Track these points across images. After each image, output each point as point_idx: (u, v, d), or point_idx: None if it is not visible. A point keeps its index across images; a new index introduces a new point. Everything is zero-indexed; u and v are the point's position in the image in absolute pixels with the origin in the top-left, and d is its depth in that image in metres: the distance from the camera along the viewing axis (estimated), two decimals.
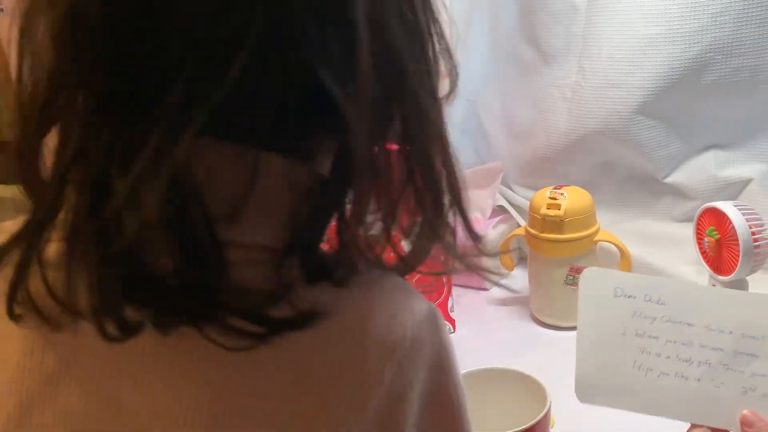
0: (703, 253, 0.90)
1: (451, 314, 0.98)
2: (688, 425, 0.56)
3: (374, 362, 0.34)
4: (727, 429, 0.53)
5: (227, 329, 0.32)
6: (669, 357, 0.55)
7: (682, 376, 0.55)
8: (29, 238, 0.33)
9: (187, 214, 0.31)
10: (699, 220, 0.90)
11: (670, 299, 0.55)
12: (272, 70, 0.32)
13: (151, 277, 0.32)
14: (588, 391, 0.58)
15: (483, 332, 0.98)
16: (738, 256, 0.84)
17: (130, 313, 0.32)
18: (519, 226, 1.07)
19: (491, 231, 1.11)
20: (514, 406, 0.68)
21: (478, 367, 0.72)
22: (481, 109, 1.22)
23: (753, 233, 0.83)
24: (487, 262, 0.45)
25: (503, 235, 1.10)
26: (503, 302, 1.05)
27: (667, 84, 0.95)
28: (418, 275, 0.44)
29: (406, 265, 0.38)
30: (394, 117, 0.35)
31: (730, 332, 0.54)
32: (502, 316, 1.02)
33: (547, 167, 1.11)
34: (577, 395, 0.58)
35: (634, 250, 0.97)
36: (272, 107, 0.33)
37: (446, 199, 0.37)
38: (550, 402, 0.66)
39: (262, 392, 0.33)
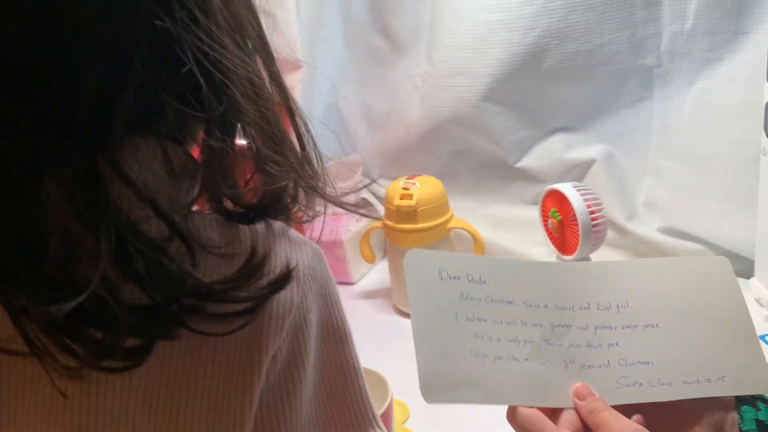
0: (549, 234, 0.93)
1: None
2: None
3: (287, 289, 0.38)
4: (560, 406, 0.51)
5: (212, 317, 0.35)
6: (499, 339, 0.52)
7: (513, 358, 0.52)
8: None
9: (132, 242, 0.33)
10: (543, 202, 0.92)
11: (489, 277, 0.53)
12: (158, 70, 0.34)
13: (131, 305, 0.34)
14: (433, 390, 0.50)
15: (353, 325, 0.96)
16: (578, 235, 0.86)
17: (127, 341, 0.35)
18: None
19: (354, 224, 1.10)
20: None
21: None
22: (340, 100, 1.20)
23: (591, 213, 0.86)
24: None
25: (367, 228, 1.09)
26: (367, 295, 1.04)
27: (509, 70, 0.97)
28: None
29: (287, 212, 0.41)
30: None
31: (545, 306, 0.53)
32: (367, 308, 1.01)
33: (405, 157, 1.11)
34: (423, 396, 0.50)
35: (488, 235, 0.99)
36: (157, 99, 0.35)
37: (296, 151, 0.41)
38: (392, 395, 0.65)
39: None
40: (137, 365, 0.35)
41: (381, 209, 1.10)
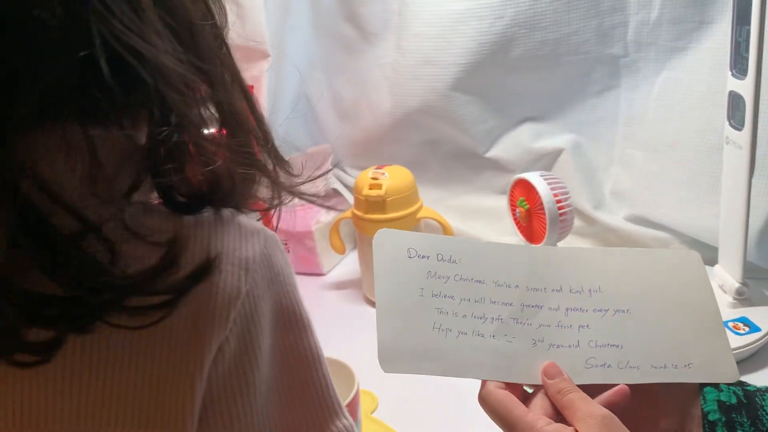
0: (517, 223, 0.93)
1: None
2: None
3: (233, 277, 0.37)
4: (525, 383, 0.52)
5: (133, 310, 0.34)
6: (465, 316, 0.53)
7: (478, 334, 0.53)
8: None
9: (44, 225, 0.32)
10: (511, 191, 0.93)
11: (461, 257, 0.54)
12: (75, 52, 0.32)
13: (39, 296, 0.33)
14: (391, 359, 0.53)
15: (319, 316, 0.96)
16: (546, 224, 0.87)
17: (37, 334, 0.34)
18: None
19: (324, 215, 1.09)
20: None
21: None
22: (309, 90, 1.19)
23: (558, 201, 0.87)
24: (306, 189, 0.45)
25: (336, 218, 1.08)
26: (338, 286, 1.04)
27: (478, 59, 0.97)
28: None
29: (239, 200, 0.40)
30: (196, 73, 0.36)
31: (517, 286, 0.54)
32: (337, 299, 1.01)
33: (375, 147, 1.11)
34: (380, 365, 0.52)
35: (457, 224, 0.99)
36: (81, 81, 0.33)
37: (255, 136, 0.40)
38: (358, 385, 0.65)
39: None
40: (47, 360, 0.34)
41: (350, 199, 1.10)
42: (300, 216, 1.05)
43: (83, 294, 0.33)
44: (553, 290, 0.54)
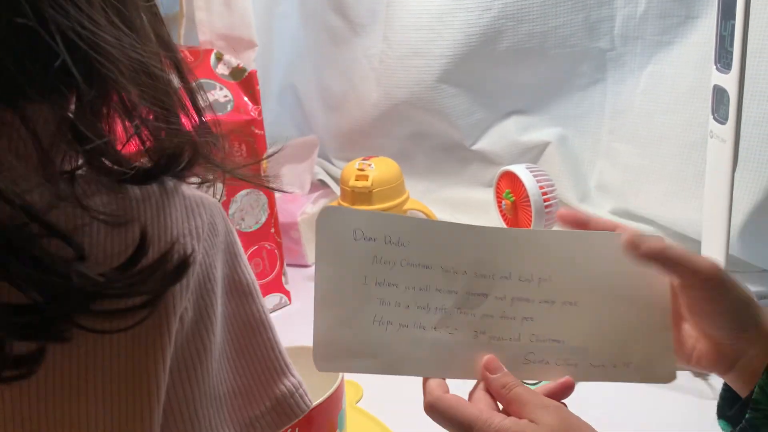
0: (503, 215, 0.93)
1: (286, 287, 0.96)
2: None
3: (187, 247, 0.37)
4: (465, 378, 0.49)
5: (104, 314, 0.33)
6: (408, 306, 0.50)
7: (420, 326, 0.50)
8: None
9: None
10: (497, 183, 0.93)
11: (410, 239, 0.49)
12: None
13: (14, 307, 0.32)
14: (325, 357, 0.48)
15: (304, 307, 0.96)
16: (531, 216, 0.87)
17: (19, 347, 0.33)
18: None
19: (311, 206, 1.09)
20: (314, 383, 0.66)
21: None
22: (296, 80, 1.19)
23: (544, 194, 0.87)
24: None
25: None
26: None
27: (465, 51, 0.97)
28: None
29: (182, 169, 0.39)
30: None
31: (464, 272, 0.50)
32: None
33: (362, 139, 1.11)
34: (314, 363, 0.48)
35: (444, 216, 0.99)
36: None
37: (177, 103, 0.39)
38: (343, 375, 0.64)
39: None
40: (30, 374, 0.33)
41: (337, 190, 1.10)
42: (286, 207, 1.04)
43: (51, 299, 0.32)
44: (501, 277, 0.51)
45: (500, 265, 0.51)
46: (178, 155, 0.38)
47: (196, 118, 0.40)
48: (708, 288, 0.49)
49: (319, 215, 0.48)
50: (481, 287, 0.51)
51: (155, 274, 0.35)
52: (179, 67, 0.39)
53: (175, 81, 0.39)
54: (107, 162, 0.36)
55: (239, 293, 0.41)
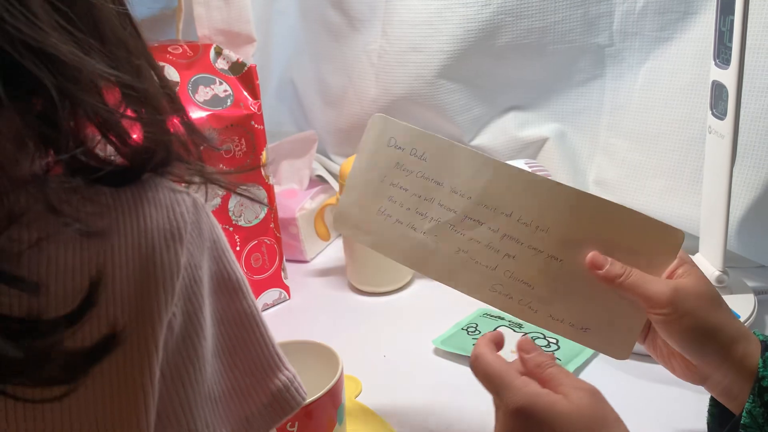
0: None
1: (286, 282, 0.96)
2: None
3: (169, 251, 0.36)
4: (434, 279, 0.58)
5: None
6: (409, 209, 0.59)
7: (412, 227, 0.59)
8: None
9: None
10: None
11: (432, 156, 0.58)
12: None
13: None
14: (340, 223, 0.63)
15: (303, 302, 0.96)
16: None
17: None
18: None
19: (309, 202, 1.09)
20: (313, 377, 0.66)
21: (278, 341, 0.70)
22: (295, 75, 1.18)
23: None
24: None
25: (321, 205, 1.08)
26: (322, 273, 1.04)
27: (464, 46, 0.96)
28: None
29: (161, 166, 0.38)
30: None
31: (469, 198, 0.57)
32: (321, 286, 1.00)
33: (360, 134, 1.10)
34: (333, 222, 0.63)
35: None
36: None
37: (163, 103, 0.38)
38: (342, 368, 0.65)
39: None
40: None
41: (336, 186, 1.10)
42: (284, 203, 1.04)
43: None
44: (502, 213, 0.56)
45: (506, 202, 0.56)
46: (150, 156, 0.36)
47: (175, 118, 0.38)
48: (661, 315, 0.51)
49: (370, 120, 0.62)
50: (479, 215, 0.56)
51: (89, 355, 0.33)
52: (155, 70, 0.37)
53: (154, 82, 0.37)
54: (80, 161, 0.35)
55: (228, 290, 0.40)
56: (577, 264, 0.54)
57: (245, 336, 0.42)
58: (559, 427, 0.44)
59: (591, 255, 0.54)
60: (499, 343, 0.52)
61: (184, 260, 0.36)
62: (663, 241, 0.54)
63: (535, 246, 0.55)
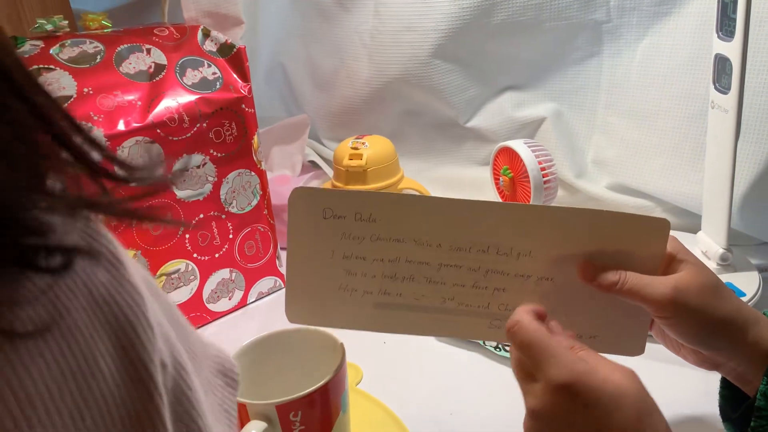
0: (500, 192, 0.92)
1: (280, 269, 0.94)
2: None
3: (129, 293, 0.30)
4: (431, 335, 0.56)
5: None
6: (374, 276, 0.53)
7: (385, 293, 0.53)
8: None
9: None
10: (494, 160, 0.91)
11: (381, 215, 0.51)
12: None
13: None
14: (296, 317, 0.57)
15: None
16: (530, 191, 0.86)
17: None
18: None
19: None
20: (316, 365, 0.64)
21: (277, 330, 0.68)
22: (285, 59, 1.16)
23: (543, 169, 0.85)
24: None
25: None
26: None
27: (459, 25, 0.94)
28: None
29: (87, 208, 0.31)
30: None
31: (438, 245, 0.51)
32: None
33: (354, 118, 1.08)
34: (286, 315, 0.56)
35: (439, 195, 0.97)
36: None
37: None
38: (344, 357, 0.63)
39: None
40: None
41: (329, 171, 1.08)
42: (277, 190, 1.02)
43: None
44: (478, 251, 0.51)
45: (479, 239, 0.51)
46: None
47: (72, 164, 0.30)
48: (665, 316, 0.49)
49: (290, 196, 0.51)
50: (454, 259, 0.52)
51: None
52: (43, 114, 0.30)
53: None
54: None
55: (157, 292, 0.35)
56: (569, 279, 0.52)
57: (184, 327, 0.36)
58: (607, 410, 0.41)
59: (580, 268, 0.51)
60: (541, 315, 0.48)
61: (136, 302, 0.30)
62: (650, 233, 0.51)
63: (522, 273, 0.52)
